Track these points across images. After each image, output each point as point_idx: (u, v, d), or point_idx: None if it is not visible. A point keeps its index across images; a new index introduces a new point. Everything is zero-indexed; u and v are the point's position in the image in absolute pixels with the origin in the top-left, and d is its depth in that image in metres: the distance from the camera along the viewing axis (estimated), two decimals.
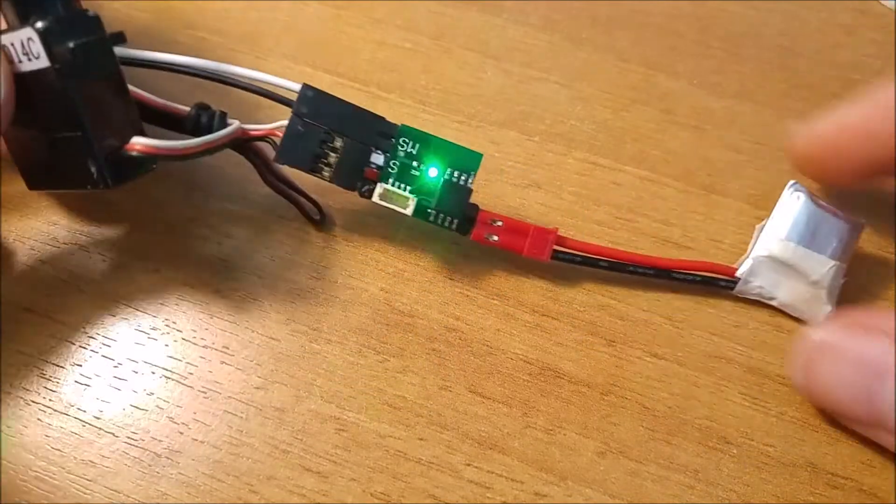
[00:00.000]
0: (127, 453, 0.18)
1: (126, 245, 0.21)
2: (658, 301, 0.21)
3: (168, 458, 0.18)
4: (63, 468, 0.18)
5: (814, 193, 0.20)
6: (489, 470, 0.18)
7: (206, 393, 0.19)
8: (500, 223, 0.20)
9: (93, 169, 0.17)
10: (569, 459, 0.19)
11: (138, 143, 0.18)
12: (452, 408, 0.19)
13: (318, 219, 0.21)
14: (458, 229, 0.20)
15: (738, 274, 0.20)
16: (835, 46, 0.26)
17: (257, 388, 0.19)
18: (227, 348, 0.20)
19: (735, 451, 0.19)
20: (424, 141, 0.20)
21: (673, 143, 0.23)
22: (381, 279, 0.21)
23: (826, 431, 0.19)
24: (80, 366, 0.19)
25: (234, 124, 0.19)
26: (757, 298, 0.21)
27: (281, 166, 0.20)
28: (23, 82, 0.17)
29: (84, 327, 0.20)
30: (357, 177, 0.20)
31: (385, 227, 0.22)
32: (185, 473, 0.18)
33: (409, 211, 0.19)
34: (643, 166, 0.23)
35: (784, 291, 0.20)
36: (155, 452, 0.18)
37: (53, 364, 0.19)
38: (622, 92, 0.24)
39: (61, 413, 0.19)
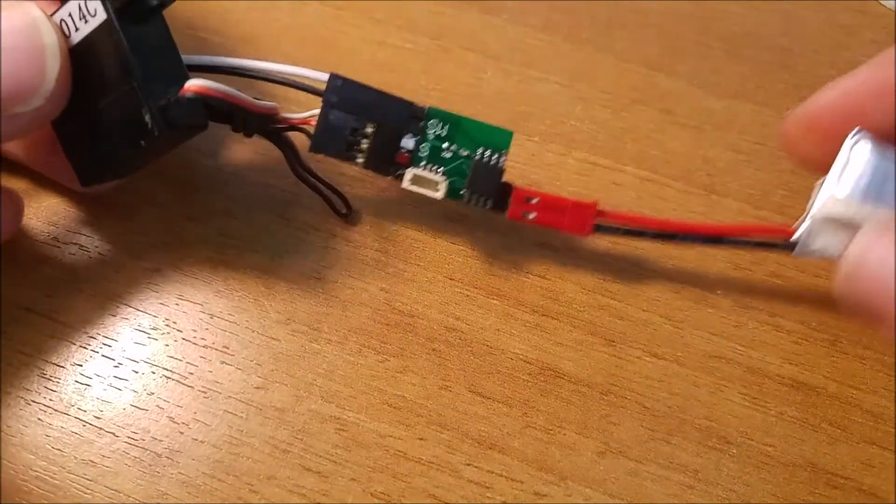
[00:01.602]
0: (127, 453, 0.18)
1: (126, 245, 0.21)
2: (658, 301, 0.21)
3: (168, 457, 0.18)
4: (63, 468, 0.18)
5: (880, 142, 0.19)
6: (489, 469, 0.18)
7: (206, 393, 0.19)
8: (536, 200, 0.20)
9: (147, 117, 0.17)
10: (568, 459, 0.19)
11: (193, 84, 0.18)
12: (452, 407, 0.19)
13: (346, 212, 0.21)
14: (493, 208, 0.20)
15: (795, 237, 0.19)
16: (834, 47, 0.26)
17: (257, 387, 0.19)
18: (227, 348, 0.20)
19: (735, 451, 0.19)
20: (454, 122, 0.20)
21: (673, 144, 0.23)
22: (381, 279, 0.21)
23: (826, 431, 0.19)
24: (81, 366, 0.19)
25: (273, 103, 0.19)
26: (819, 259, 0.19)
27: (309, 160, 0.21)
28: (75, 54, 0.18)
29: (84, 327, 0.20)
30: (390, 161, 0.20)
31: (386, 226, 0.22)
32: (185, 473, 0.18)
33: (440, 195, 0.19)
34: (643, 166, 0.23)
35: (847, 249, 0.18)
36: (155, 452, 0.18)
37: (53, 364, 0.19)
38: (622, 92, 0.24)
39: (61, 413, 0.19)
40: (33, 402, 0.19)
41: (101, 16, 0.17)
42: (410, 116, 0.20)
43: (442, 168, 0.20)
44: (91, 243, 0.21)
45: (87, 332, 0.20)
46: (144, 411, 0.19)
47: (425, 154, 0.20)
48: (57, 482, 0.18)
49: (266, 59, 0.20)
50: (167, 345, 0.20)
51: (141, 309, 0.20)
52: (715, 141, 0.24)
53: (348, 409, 0.19)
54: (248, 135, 0.20)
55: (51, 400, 0.19)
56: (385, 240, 0.21)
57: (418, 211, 0.22)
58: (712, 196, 0.23)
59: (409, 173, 0.19)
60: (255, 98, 0.19)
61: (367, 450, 0.19)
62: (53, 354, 0.19)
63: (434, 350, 0.20)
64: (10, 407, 0.19)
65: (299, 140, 0.20)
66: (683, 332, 0.20)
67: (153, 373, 0.19)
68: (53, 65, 0.17)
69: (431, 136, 0.20)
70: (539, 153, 0.23)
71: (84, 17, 0.18)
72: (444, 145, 0.20)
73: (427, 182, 0.19)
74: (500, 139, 0.20)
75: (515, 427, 0.19)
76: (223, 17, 0.25)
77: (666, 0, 0.26)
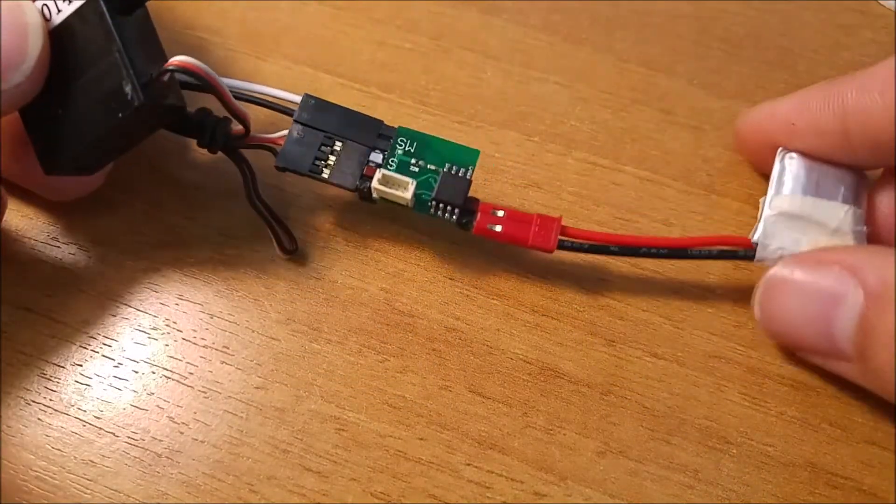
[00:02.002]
0: (127, 453, 0.18)
1: (126, 245, 0.21)
2: (658, 301, 0.21)
3: (168, 457, 0.18)
4: (63, 468, 0.18)
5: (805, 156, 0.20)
6: (489, 469, 0.18)
7: (206, 393, 0.19)
8: (501, 213, 0.20)
9: (127, 88, 0.17)
10: (568, 459, 0.19)
11: (176, 59, 0.18)
12: (452, 407, 0.19)
13: (291, 249, 0.21)
14: (458, 221, 0.20)
15: (754, 240, 0.20)
16: (834, 47, 0.26)
17: (257, 387, 0.19)
18: (227, 348, 0.20)
19: (735, 451, 0.19)
20: (422, 140, 0.20)
21: (673, 144, 0.23)
22: (381, 279, 0.21)
23: (825, 431, 0.19)
24: (81, 366, 0.19)
25: (246, 111, 0.20)
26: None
27: (262, 195, 0.21)
28: (54, 36, 0.18)
29: (84, 327, 0.20)
30: (356, 175, 0.20)
31: (385, 227, 0.22)
32: (185, 473, 0.18)
33: (409, 194, 0.19)
34: (643, 166, 0.23)
35: (807, 247, 0.19)
36: (155, 452, 0.18)
37: (53, 364, 0.19)
38: (622, 92, 0.24)
39: (61, 413, 0.19)
40: (33, 402, 0.19)
41: None
42: (380, 135, 0.20)
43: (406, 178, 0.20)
44: (91, 243, 0.21)
45: (87, 332, 0.20)
46: (144, 411, 0.19)
47: (393, 168, 0.20)
48: (57, 482, 0.18)
49: (236, 78, 0.20)
50: (167, 345, 0.20)
51: (141, 309, 0.20)
52: (715, 141, 0.24)
53: (348, 409, 0.19)
54: (213, 151, 0.20)
55: (51, 400, 0.19)
56: (385, 240, 0.21)
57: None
58: (712, 196, 0.23)
59: (379, 173, 0.19)
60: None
61: (367, 450, 0.19)
62: (53, 354, 0.19)
63: (434, 350, 0.20)
64: (10, 407, 0.19)
65: (266, 161, 0.20)
66: (683, 332, 0.20)
67: (153, 373, 0.19)
68: (35, 42, 0.17)
69: (399, 152, 0.20)
70: (539, 153, 0.23)
71: None
72: (412, 160, 0.20)
73: (396, 182, 0.19)
74: (466, 157, 0.20)
75: (515, 427, 0.19)
76: (222, 16, 0.25)
77: (666, 0, 0.26)
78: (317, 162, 0.20)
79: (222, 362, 0.19)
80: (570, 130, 0.24)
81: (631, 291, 0.21)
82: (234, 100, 0.19)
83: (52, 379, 0.19)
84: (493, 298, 0.21)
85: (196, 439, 0.19)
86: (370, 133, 0.20)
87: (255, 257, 0.21)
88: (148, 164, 0.22)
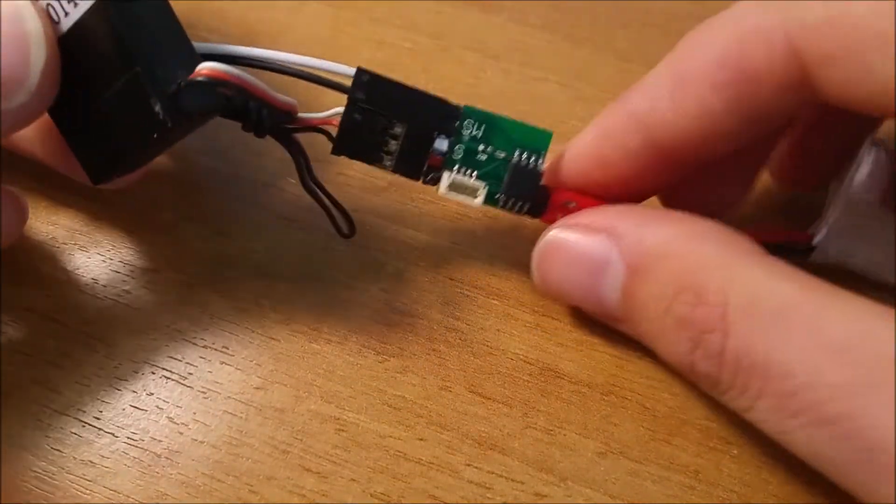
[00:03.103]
0: (126, 453, 0.18)
1: (126, 245, 0.21)
2: None
3: (167, 458, 0.18)
4: (62, 468, 0.18)
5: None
6: (489, 470, 0.18)
7: (205, 393, 0.19)
8: (573, 204, 0.19)
9: (156, 107, 0.16)
10: (569, 460, 0.19)
11: (205, 67, 0.16)
12: (452, 408, 0.19)
13: (348, 233, 0.20)
14: (529, 213, 0.19)
15: (814, 242, 0.19)
16: None
17: (257, 388, 0.19)
18: (227, 348, 0.20)
19: (735, 452, 0.19)
20: (490, 121, 0.19)
21: None
22: (381, 279, 0.21)
23: None
24: (80, 366, 0.19)
25: (292, 100, 0.18)
26: (836, 264, 0.19)
27: (321, 170, 0.19)
28: (67, 43, 0.16)
29: (84, 327, 0.20)
30: (420, 164, 0.19)
31: (385, 227, 0.22)
32: (184, 473, 0.18)
33: (478, 202, 0.18)
34: None
35: (864, 255, 0.19)
36: (154, 452, 0.18)
37: (53, 364, 0.19)
38: (622, 92, 0.24)
39: (61, 413, 0.19)
40: (33, 402, 0.19)
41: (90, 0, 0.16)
42: (444, 116, 0.18)
43: (476, 172, 0.19)
44: (91, 243, 0.21)
45: (86, 332, 0.20)
46: (144, 412, 0.19)
47: (459, 157, 0.19)
48: (56, 482, 0.18)
49: (282, 50, 0.18)
50: (167, 345, 0.20)
51: (140, 308, 0.20)
52: None
53: (348, 409, 0.19)
54: (261, 134, 0.18)
55: (50, 400, 0.19)
56: (385, 240, 0.21)
57: (418, 210, 0.22)
58: None
59: (447, 178, 0.18)
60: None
61: (367, 450, 0.18)
62: (53, 355, 0.19)
63: (434, 350, 0.20)
64: (10, 407, 0.19)
65: (319, 143, 0.19)
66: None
67: (153, 373, 0.19)
68: (39, 55, 0.16)
69: (466, 137, 0.19)
70: None
71: (72, 0, 0.16)
72: (480, 147, 0.19)
73: (465, 188, 0.18)
74: (538, 140, 0.19)
75: (516, 427, 0.19)
76: (222, 16, 0.25)
77: (666, 0, 0.26)
78: (378, 148, 0.18)
79: (222, 362, 0.19)
80: (570, 130, 0.24)
81: None
82: (275, 96, 0.17)
83: (52, 379, 0.19)
84: (493, 298, 0.21)
85: (195, 440, 0.18)
86: (434, 114, 0.18)
87: (255, 257, 0.21)
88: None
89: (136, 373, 0.19)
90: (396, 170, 0.19)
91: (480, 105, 0.24)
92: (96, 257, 0.21)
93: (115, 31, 0.16)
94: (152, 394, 0.19)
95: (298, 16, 0.25)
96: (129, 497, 0.18)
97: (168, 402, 0.19)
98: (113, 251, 0.21)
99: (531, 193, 0.19)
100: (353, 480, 0.18)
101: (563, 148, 0.19)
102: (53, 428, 0.19)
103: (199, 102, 0.16)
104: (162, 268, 0.21)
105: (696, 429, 0.19)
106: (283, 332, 0.20)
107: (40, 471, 0.18)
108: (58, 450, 0.18)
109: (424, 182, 0.19)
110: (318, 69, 0.18)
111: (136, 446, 0.18)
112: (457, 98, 0.24)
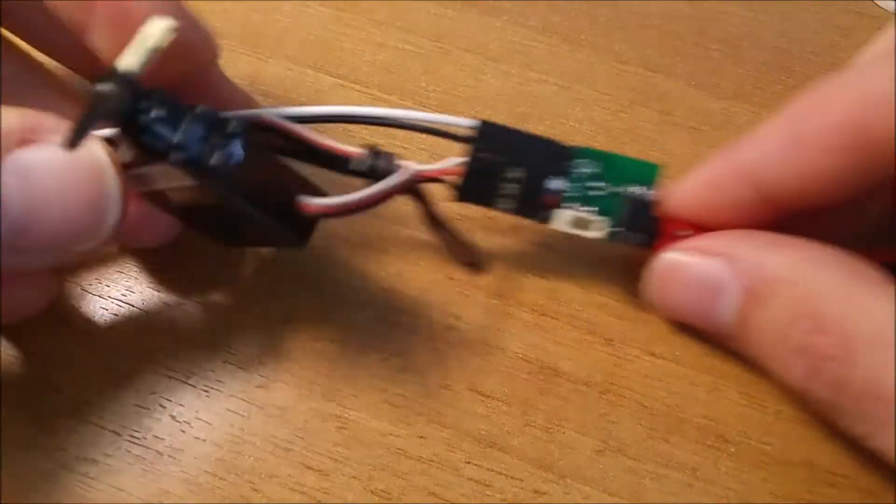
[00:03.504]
0: (129, 451, 0.18)
1: (125, 246, 0.21)
2: None
3: (170, 455, 0.18)
4: (65, 467, 0.18)
5: None
6: (489, 468, 0.19)
7: (207, 391, 0.19)
8: (686, 233, 0.19)
9: (286, 240, 0.18)
10: (568, 457, 0.19)
11: (313, 204, 0.17)
12: (452, 406, 0.19)
13: (476, 266, 0.20)
14: (644, 244, 0.19)
15: None
16: (832, 48, 0.26)
17: (259, 386, 0.19)
18: (230, 347, 0.20)
19: (733, 450, 0.19)
20: (602, 159, 0.19)
21: (671, 144, 0.24)
22: (382, 279, 0.21)
23: (824, 430, 0.19)
24: (82, 365, 0.19)
25: (409, 167, 0.18)
26: None
27: (440, 210, 0.20)
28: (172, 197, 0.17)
29: (85, 327, 0.20)
30: (539, 205, 0.19)
31: (385, 227, 0.22)
32: (186, 471, 0.18)
33: (602, 234, 0.19)
34: None
35: None
36: (157, 450, 0.18)
37: (55, 363, 0.19)
38: (621, 93, 0.25)
39: (63, 412, 0.19)
40: (34, 400, 0.19)
41: (190, 182, 0.16)
42: (559, 157, 0.19)
43: (593, 208, 0.19)
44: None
45: (87, 332, 0.20)
46: (146, 410, 0.19)
47: (575, 195, 0.19)
48: (59, 481, 0.18)
49: (397, 106, 0.19)
50: (169, 344, 0.20)
51: (142, 308, 0.20)
52: (713, 141, 0.24)
53: (349, 407, 0.19)
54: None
55: (52, 399, 0.19)
56: (385, 240, 0.22)
57: (417, 210, 0.22)
58: None
59: (567, 215, 0.19)
60: (385, 176, 0.18)
61: (368, 448, 0.19)
62: (54, 354, 0.20)
63: (434, 349, 0.20)
64: (11, 407, 0.19)
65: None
66: (682, 331, 0.21)
67: (155, 371, 0.19)
68: (114, 212, 0.16)
69: (581, 176, 0.19)
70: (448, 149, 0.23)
71: (174, 177, 0.16)
72: (594, 184, 0.19)
73: (585, 223, 0.19)
74: (648, 173, 0.19)
75: (515, 425, 0.19)
76: (224, 18, 0.25)
77: (664, 1, 0.27)
78: (499, 193, 0.19)
79: (224, 361, 0.20)
80: (569, 131, 0.24)
81: (630, 291, 0.21)
82: (394, 187, 0.18)
83: (53, 378, 0.19)
84: (493, 298, 0.21)
85: (198, 438, 0.19)
86: (549, 155, 0.19)
87: (256, 256, 0.21)
88: None
89: (139, 371, 0.19)
90: (517, 212, 0.19)
91: (480, 107, 0.24)
92: (96, 257, 0.21)
93: (226, 201, 0.16)
94: (154, 392, 0.19)
95: (300, 18, 0.26)
96: (131, 495, 0.18)
97: (170, 401, 0.19)
98: (112, 251, 0.21)
99: (647, 225, 0.19)
100: (354, 478, 0.18)
101: (669, 187, 0.19)
102: (55, 426, 0.19)
103: (314, 223, 0.18)
104: (163, 267, 0.21)
105: (695, 427, 0.19)
106: (284, 330, 0.20)
107: (43, 469, 0.18)
108: (60, 448, 0.18)
109: (542, 221, 0.19)
110: (436, 122, 0.19)
111: (139, 444, 0.19)
112: (458, 100, 0.24)
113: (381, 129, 0.20)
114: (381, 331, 0.20)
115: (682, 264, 0.19)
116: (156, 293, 0.20)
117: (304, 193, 0.17)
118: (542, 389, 0.20)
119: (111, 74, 0.14)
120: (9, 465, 0.18)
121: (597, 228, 0.19)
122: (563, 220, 0.19)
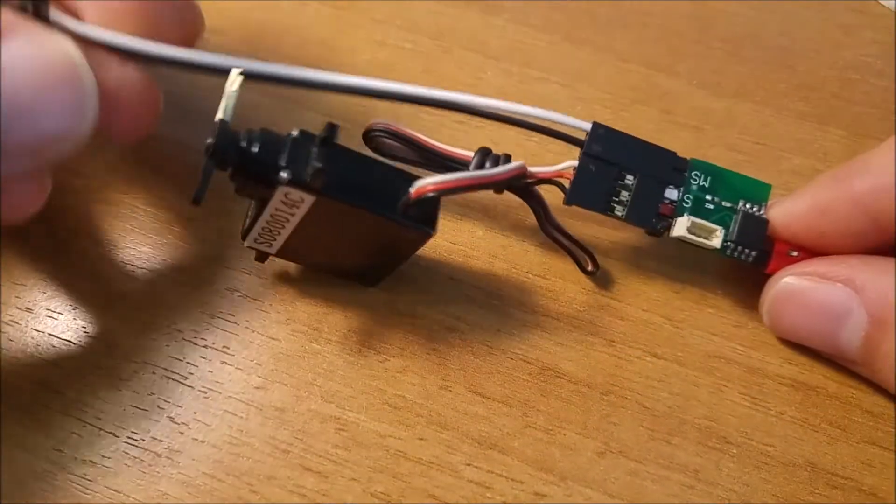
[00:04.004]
0: (127, 453, 0.18)
1: (126, 245, 0.21)
2: (658, 301, 0.21)
3: (168, 457, 0.18)
4: (63, 468, 0.18)
5: None
6: (489, 470, 0.18)
7: (206, 393, 0.19)
8: (796, 253, 0.19)
9: (412, 235, 0.17)
10: (569, 459, 0.19)
11: (429, 184, 0.17)
12: (452, 407, 0.19)
13: (593, 270, 0.20)
14: (754, 262, 0.19)
15: None
16: (834, 46, 0.26)
17: (257, 387, 0.19)
18: (228, 348, 0.20)
19: (735, 451, 0.19)
20: (716, 174, 0.20)
21: (673, 144, 0.23)
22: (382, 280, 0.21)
23: (825, 431, 0.19)
24: (81, 366, 0.19)
25: (519, 163, 0.19)
26: None
27: (557, 216, 0.20)
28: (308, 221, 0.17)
29: (84, 327, 0.20)
30: (651, 213, 0.19)
31: None
32: (185, 473, 0.18)
33: (716, 243, 0.19)
34: None
35: None
36: (155, 452, 0.18)
37: (54, 364, 0.19)
38: (622, 92, 0.24)
39: (61, 413, 0.19)
40: (33, 402, 0.19)
41: (310, 199, 0.16)
42: (673, 167, 0.19)
43: (705, 220, 0.19)
44: (90, 243, 0.21)
45: (87, 332, 0.20)
46: (144, 411, 0.19)
47: (689, 205, 0.19)
48: (57, 482, 0.18)
49: (514, 101, 0.19)
50: (167, 345, 0.20)
51: (141, 309, 0.20)
52: (715, 141, 0.24)
53: (348, 408, 0.19)
54: (499, 192, 0.19)
55: (50, 400, 0.19)
56: None
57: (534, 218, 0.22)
58: None
59: (686, 221, 0.19)
60: (495, 167, 0.18)
61: (367, 450, 0.19)
62: (53, 354, 0.19)
63: (434, 350, 0.20)
64: (10, 407, 0.19)
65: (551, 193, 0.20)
66: (683, 332, 0.20)
67: (153, 373, 0.19)
68: (91, 108, 0.16)
69: (695, 188, 0.19)
70: (539, 153, 0.23)
71: (294, 205, 0.17)
72: (707, 197, 0.19)
73: (703, 230, 0.19)
74: (760, 191, 0.20)
75: (515, 427, 0.19)
76: (224, 16, 0.25)
77: (666, 0, 0.26)
78: (610, 198, 0.19)
79: (222, 362, 0.20)
80: (569, 131, 0.24)
81: (631, 291, 0.21)
82: (504, 173, 0.18)
83: (51, 379, 0.19)
84: (493, 299, 0.21)
85: (196, 439, 0.19)
86: (663, 166, 0.19)
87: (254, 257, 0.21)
88: (149, 169, 0.22)
89: (137, 373, 0.19)
90: (628, 218, 0.19)
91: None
92: (96, 257, 0.21)
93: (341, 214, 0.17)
94: (153, 393, 0.19)
95: (300, 16, 0.25)
96: (129, 497, 0.18)
97: (169, 402, 0.19)
98: (113, 252, 0.21)
99: (759, 242, 0.19)
100: (354, 480, 0.18)
101: (778, 209, 0.19)
102: (54, 428, 0.19)
103: (432, 207, 0.17)
104: (162, 268, 0.21)
105: (696, 428, 0.19)
106: (283, 331, 0.20)
107: (41, 470, 0.18)
108: (58, 450, 0.18)
109: (654, 230, 0.19)
110: (551, 121, 0.19)
111: (137, 446, 0.18)
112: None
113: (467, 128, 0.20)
114: (381, 332, 0.20)
115: (805, 289, 0.19)
116: (153, 294, 0.20)
117: (401, 183, 0.17)
118: (543, 391, 0.19)
119: (216, 128, 0.16)
120: (7, 466, 0.18)
121: (716, 238, 0.19)
122: (682, 227, 0.19)
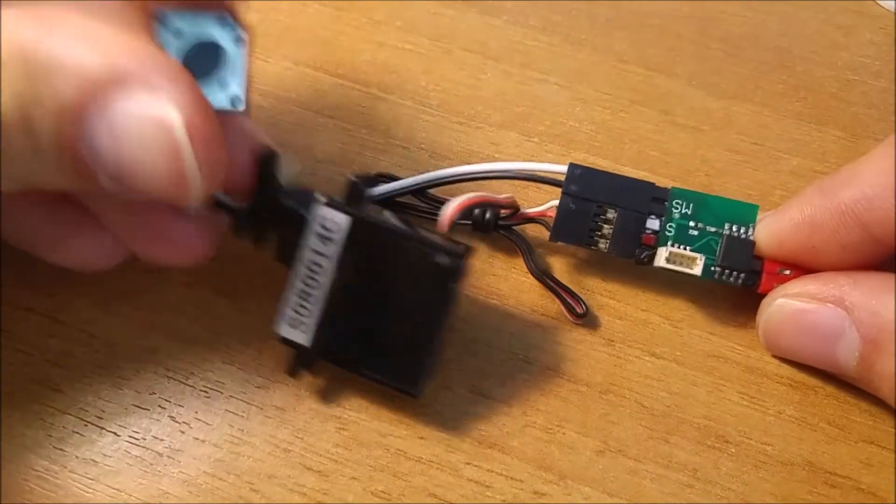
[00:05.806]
0: (129, 452, 0.18)
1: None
2: (657, 300, 0.21)
3: (170, 456, 0.18)
4: (65, 467, 0.18)
5: None
6: (489, 469, 0.18)
7: (207, 392, 0.19)
8: (788, 272, 0.19)
9: (446, 261, 0.17)
10: (568, 458, 0.19)
11: (449, 212, 0.19)
12: (452, 407, 0.19)
13: (581, 313, 0.20)
14: (744, 284, 0.19)
15: None
16: (833, 47, 0.26)
17: (258, 387, 0.19)
18: (229, 348, 0.20)
19: (733, 450, 0.19)
20: (699, 201, 0.20)
21: (672, 144, 0.24)
22: None
23: (824, 430, 0.19)
24: (82, 365, 0.19)
25: (510, 195, 0.20)
26: None
27: (543, 259, 0.21)
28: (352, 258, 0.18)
29: (85, 327, 0.20)
30: (634, 244, 0.20)
31: None
32: (186, 472, 0.18)
33: (697, 271, 0.19)
34: (642, 167, 0.23)
35: None
36: (156, 451, 0.18)
37: (55, 364, 0.19)
38: (621, 93, 0.25)
39: (63, 412, 0.19)
40: (34, 401, 0.19)
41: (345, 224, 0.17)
42: (653, 198, 0.20)
43: (689, 247, 0.19)
44: None
45: (88, 332, 0.20)
46: (146, 410, 0.19)
47: (672, 234, 0.20)
48: (58, 481, 0.18)
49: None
50: (168, 344, 0.20)
51: (142, 309, 0.20)
52: (713, 141, 0.24)
53: (349, 408, 0.19)
54: (487, 231, 0.21)
55: (52, 399, 0.19)
56: None
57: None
58: None
59: (664, 252, 0.19)
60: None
61: (368, 449, 0.19)
62: (54, 354, 0.20)
63: None
64: (12, 406, 0.19)
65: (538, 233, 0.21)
66: (682, 331, 0.20)
67: (155, 372, 0.19)
68: (195, 182, 0.15)
69: (677, 216, 0.20)
70: (538, 154, 0.23)
71: (329, 235, 0.17)
72: (691, 223, 0.20)
73: (682, 259, 0.19)
74: (745, 213, 0.20)
75: (515, 426, 0.19)
76: None
77: (665, 1, 0.27)
78: (592, 233, 0.20)
79: (224, 362, 0.20)
80: (569, 131, 0.24)
81: (630, 291, 0.21)
82: (500, 198, 0.20)
83: (53, 378, 0.19)
84: (493, 298, 0.21)
85: (197, 438, 0.19)
86: (643, 197, 0.20)
87: (255, 258, 0.21)
88: None
89: (139, 372, 0.19)
90: (612, 251, 0.20)
91: (480, 106, 0.24)
92: None
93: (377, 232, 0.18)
94: (154, 393, 0.19)
95: (300, 17, 0.26)
96: (131, 495, 0.18)
97: (170, 401, 0.19)
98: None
99: (746, 263, 0.19)
100: (354, 479, 0.18)
101: (764, 226, 0.19)
102: (55, 427, 0.19)
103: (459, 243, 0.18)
104: (164, 269, 0.21)
105: (695, 427, 0.19)
106: None
107: (42, 469, 0.18)
108: (60, 448, 0.18)
109: (639, 261, 0.20)
110: (532, 170, 0.20)
111: (139, 445, 0.18)
112: (458, 100, 0.24)
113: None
114: None
115: (797, 311, 0.19)
116: (155, 294, 0.20)
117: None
118: (543, 390, 0.20)
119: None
120: (8, 465, 0.18)
121: (694, 265, 0.19)
122: (662, 258, 0.19)
